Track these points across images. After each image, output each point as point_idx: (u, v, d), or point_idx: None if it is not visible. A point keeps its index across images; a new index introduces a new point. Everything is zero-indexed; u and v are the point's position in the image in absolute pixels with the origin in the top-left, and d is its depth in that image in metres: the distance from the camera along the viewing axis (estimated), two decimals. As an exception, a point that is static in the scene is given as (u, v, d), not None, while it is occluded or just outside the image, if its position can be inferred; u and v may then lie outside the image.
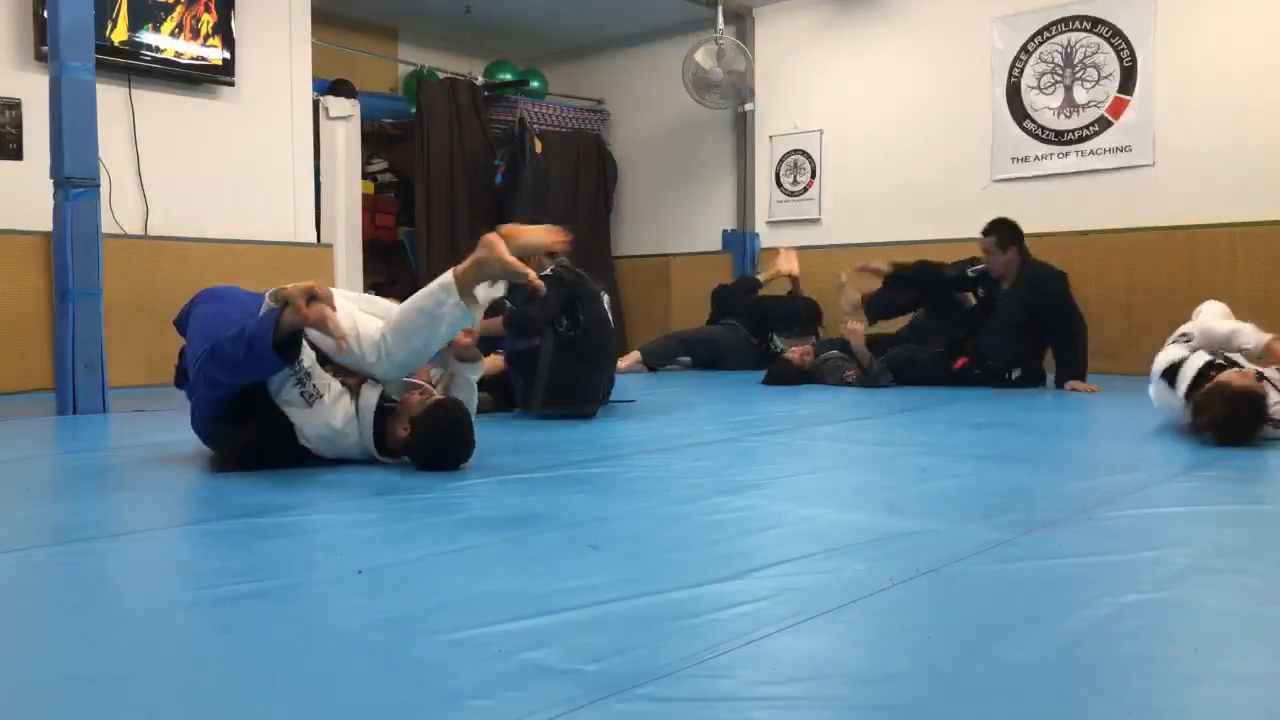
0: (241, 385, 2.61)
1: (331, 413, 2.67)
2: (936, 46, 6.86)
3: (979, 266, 5.31)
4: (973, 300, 5.54)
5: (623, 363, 7.07)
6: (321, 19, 6.76)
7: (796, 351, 5.75)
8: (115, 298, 4.68)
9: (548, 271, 3.79)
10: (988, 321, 5.26)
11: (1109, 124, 6.15)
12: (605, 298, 4.10)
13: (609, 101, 8.69)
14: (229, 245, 6.03)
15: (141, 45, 5.69)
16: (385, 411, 2.71)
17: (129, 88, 5.73)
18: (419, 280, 6.28)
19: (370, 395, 2.73)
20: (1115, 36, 6.12)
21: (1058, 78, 6.34)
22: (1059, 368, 5.16)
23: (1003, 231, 5.18)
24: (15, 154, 5.28)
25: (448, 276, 2.74)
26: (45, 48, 4.65)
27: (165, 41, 5.78)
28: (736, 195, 7.98)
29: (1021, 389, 5.11)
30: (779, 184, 7.72)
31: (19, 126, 5.31)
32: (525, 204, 7.49)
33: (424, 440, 2.64)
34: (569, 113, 8.36)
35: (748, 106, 7.77)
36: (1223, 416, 3.02)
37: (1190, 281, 5.87)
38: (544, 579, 1.63)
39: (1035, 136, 6.43)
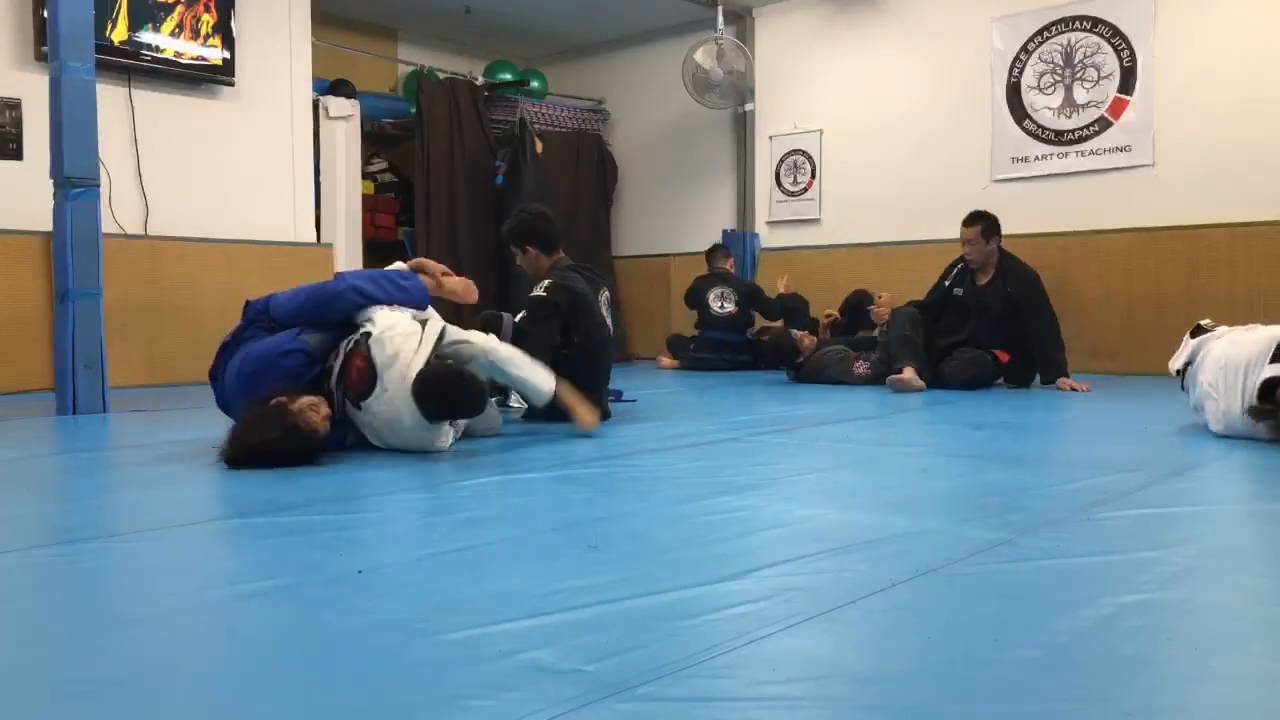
0: (374, 304, 3.06)
1: (406, 320, 3.01)
2: (936, 46, 6.86)
3: (955, 270, 5.36)
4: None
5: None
6: (321, 19, 6.77)
7: (800, 333, 5.82)
8: (115, 298, 4.68)
9: (541, 293, 3.65)
10: (974, 319, 5.28)
11: (1109, 124, 6.15)
12: (605, 294, 4.00)
13: (609, 101, 8.69)
14: (229, 245, 6.04)
15: (141, 45, 5.69)
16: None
17: (129, 88, 5.73)
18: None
19: (436, 324, 3.06)
20: (1115, 36, 6.12)
21: (1058, 78, 6.34)
22: (1042, 367, 5.18)
23: (987, 221, 5.27)
24: (15, 154, 5.28)
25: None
26: (45, 48, 4.65)
27: (165, 41, 5.78)
28: (736, 195, 7.98)
29: (1012, 388, 5.14)
30: (779, 184, 7.73)
31: (19, 126, 5.31)
32: (526, 204, 7.49)
33: (430, 377, 2.83)
34: (569, 113, 8.36)
35: (748, 106, 7.77)
36: None
37: (1190, 281, 5.87)
38: (544, 579, 1.63)
39: (1035, 136, 6.43)
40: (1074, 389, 4.95)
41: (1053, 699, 1.14)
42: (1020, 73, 6.48)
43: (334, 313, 3.06)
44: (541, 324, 3.62)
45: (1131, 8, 6.04)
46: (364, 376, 2.85)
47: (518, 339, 3.58)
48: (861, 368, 5.43)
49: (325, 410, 2.77)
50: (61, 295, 4.25)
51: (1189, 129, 5.88)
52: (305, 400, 2.73)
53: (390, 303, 3.08)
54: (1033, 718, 1.10)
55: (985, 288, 5.29)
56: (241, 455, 2.66)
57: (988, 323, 5.22)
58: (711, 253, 7.39)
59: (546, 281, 3.71)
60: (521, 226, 3.90)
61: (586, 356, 3.73)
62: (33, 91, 5.13)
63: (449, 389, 2.82)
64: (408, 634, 1.36)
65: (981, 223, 5.25)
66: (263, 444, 2.64)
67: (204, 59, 5.94)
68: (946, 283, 5.44)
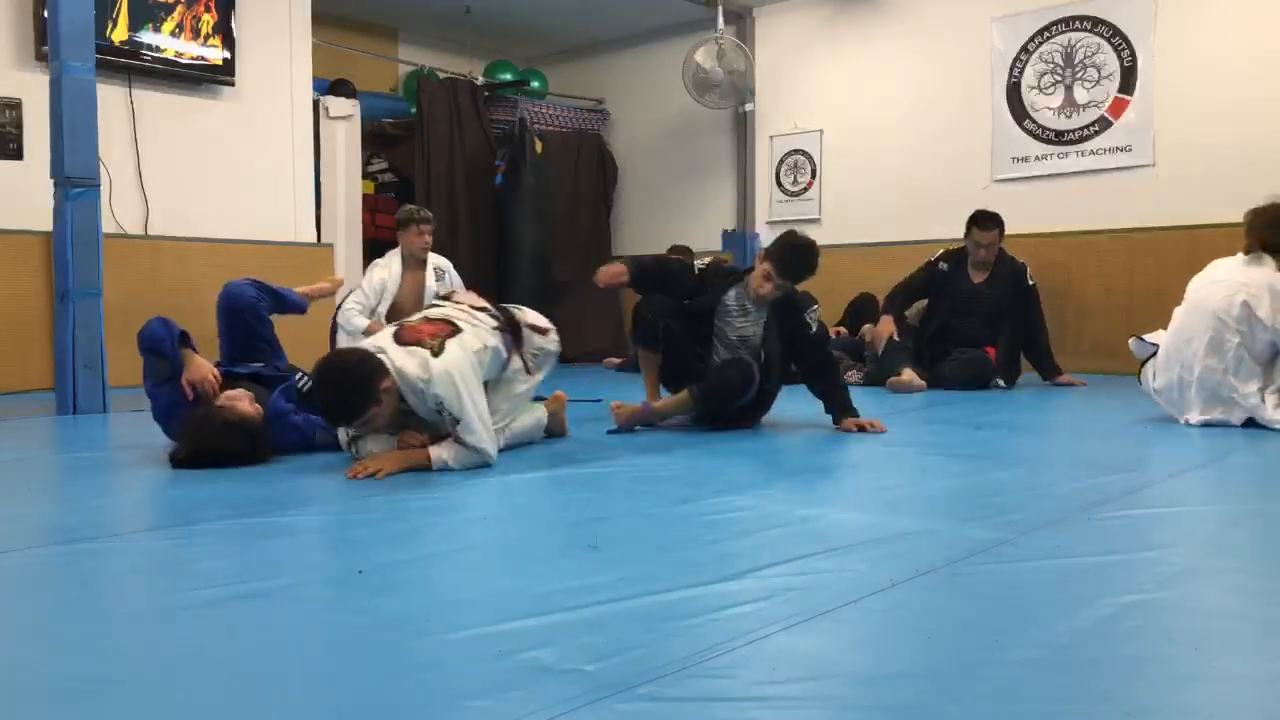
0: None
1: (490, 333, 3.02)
2: (936, 46, 6.86)
3: (944, 265, 5.38)
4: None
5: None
6: (321, 19, 6.76)
7: None
8: (115, 298, 4.68)
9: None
10: (962, 314, 5.28)
11: (1109, 124, 6.15)
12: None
13: (609, 101, 8.69)
14: (229, 245, 6.03)
15: (142, 45, 5.69)
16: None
17: (129, 88, 5.73)
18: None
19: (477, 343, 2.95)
20: (1115, 36, 6.12)
21: (1058, 78, 6.34)
22: (1043, 362, 5.32)
23: (1002, 224, 5.31)
24: (15, 154, 5.28)
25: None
26: (45, 48, 4.65)
27: (165, 41, 5.78)
28: (736, 195, 7.98)
29: (1007, 389, 5.16)
30: (779, 184, 7.72)
31: (19, 126, 5.31)
32: (525, 204, 7.50)
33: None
34: (569, 113, 8.36)
35: (748, 106, 7.76)
36: None
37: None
38: (544, 579, 1.63)
39: (1035, 136, 6.43)
40: (1071, 383, 5.19)
41: (1053, 699, 1.14)
42: (1020, 73, 6.48)
43: (239, 309, 3.24)
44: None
45: (1131, 8, 6.04)
46: (436, 322, 2.92)
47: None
48: (853, 377, 5.43)
49: (249, 396, 2.89)
50: (61, 295, 4.25)
51: (1189, 129, 5.88)
52: (224, 396, 2.86)
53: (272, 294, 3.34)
54: (1033, 718, 1.10)
55: (981, 285, 5.30)
56: (193, 459, 2.74)
57: (981, 320, 5.23)
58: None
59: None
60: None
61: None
62: (33, 91, 5.13)
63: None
64: (408, 634, 1.36)
65: (1000, 226, 5.29)
66: (211, 448, 2.73)
67: (204, 59, 5.94)
68: (943, 266, 5.39)
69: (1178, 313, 3.69)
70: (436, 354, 2.66)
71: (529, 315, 3.21)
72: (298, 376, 3.17)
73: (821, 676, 1.21)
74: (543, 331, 3.18)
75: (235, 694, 1.17)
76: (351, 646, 1.32)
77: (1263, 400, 3.44)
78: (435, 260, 5.39)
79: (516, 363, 3.04)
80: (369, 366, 2.63)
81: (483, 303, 3.13)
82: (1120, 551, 1.79)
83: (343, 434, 2.83)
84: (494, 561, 1.83)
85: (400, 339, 2.75)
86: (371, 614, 1.46)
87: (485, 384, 2.89)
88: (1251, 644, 1.35)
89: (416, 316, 2.98)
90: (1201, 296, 3.57)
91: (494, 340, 2.91)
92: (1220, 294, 3.50)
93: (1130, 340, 4.00)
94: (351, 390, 2.59)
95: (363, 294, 5.22)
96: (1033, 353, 5.32)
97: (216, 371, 3.01)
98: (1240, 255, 3.61)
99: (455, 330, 2.81)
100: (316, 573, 1.72)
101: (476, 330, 2.87)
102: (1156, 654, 1.30)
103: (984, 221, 5.29)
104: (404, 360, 2.65)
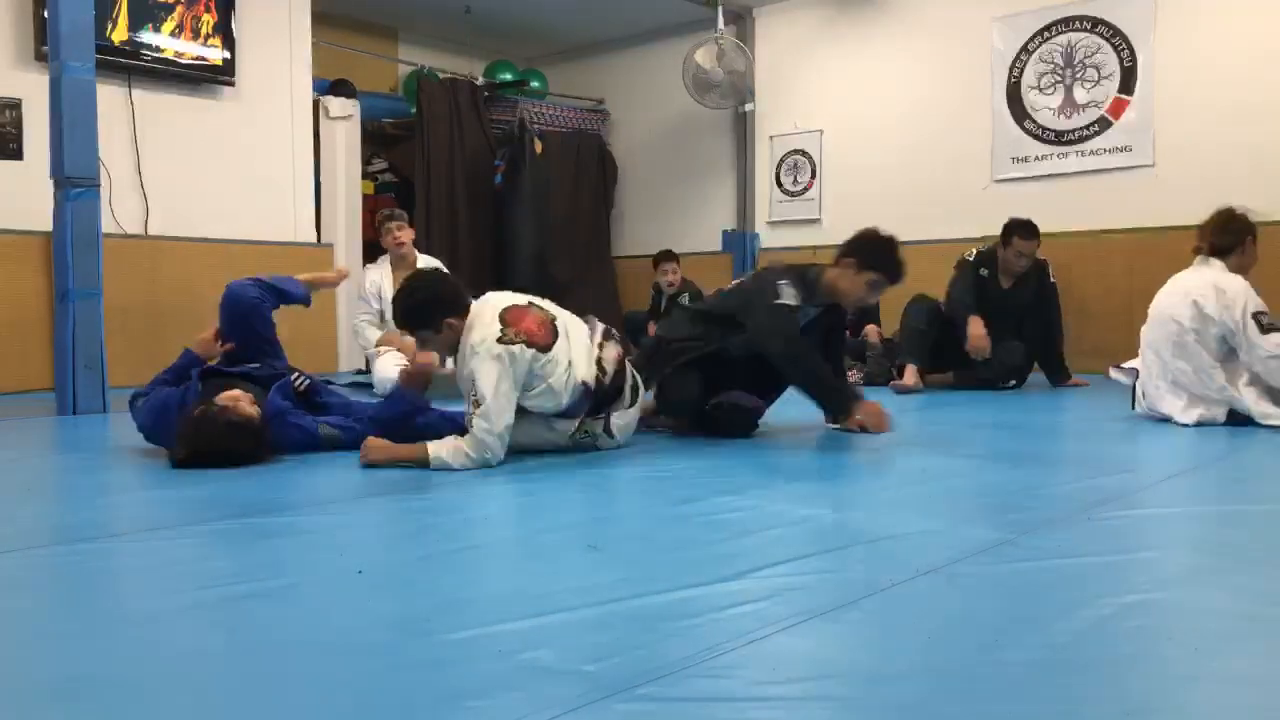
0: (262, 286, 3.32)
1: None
2: (936, 46, 6.86)
3: (985, 271, 5.33)
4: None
5: None
6: (321, 19, 6.76)
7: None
8: (115, 298, 4.68)
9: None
10: (992, 319, 5.26)
11: (1109, 124, 6.15)
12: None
13: (609, 101, 8.69)
14: (229, 245, 6.03)
15: (141, 45, 5.69)
16: None
17: (129, 88, 5.73)
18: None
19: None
20: (1115, 36, 6.12)
21: (1058, 78, 6.34)
22: (1052, 366, 5.30)
23: (1039, 231, 5.24)
24: (15, 154, 5.28)
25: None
26: (45, 48, 4.65)
27: (165, 41, 5.78)
28: (736, 195, 7.98)
29: (1018, 391, 5.16)
30: (779, 184, 7.72)
31: (19, 126, 5.31)
32: (525, 204, 7.50)
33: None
34: (569, 113, 8.36)
35: (748, 106, 7.76)
36: None
37: (1190, 281, 5.85)
38: (544, 579, 1.63)
39: (1035, 136, 6.43)
40: (1077, 385, 5.19)
41: (1053, 699, 1.14)
42: (1020, 73, 6.48)
43: (242, 312, 3.26)
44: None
45: (1131, 8, 6.04)
46: (546, 329, 2.84)
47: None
48: (853, 377, 5.43)
49: (249, 397, 2.88)
50: (61, 295, 4.25)
51: (1189, 129, 5.88)
52: (224, 396, 2.83)
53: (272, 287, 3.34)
54: (1033, 718, 1.10)
55: (1010, 291, 5.29)
56: (194, 459, 2.73)
57: (1011, 324, 5.22)
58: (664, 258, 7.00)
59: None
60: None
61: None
62: (33, 91, 5.13)
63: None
64: (408, 634, 1.36)
65: (1038, 235, 5.21)
66: (214, 449, 2.72)
67: (204, 59, 5.94)
68: (984, 272, 5.28)
69: (1143, 330, 3.82)
70: (504, 341, 2.70)
71: (624, 414, 3.07)
72: (294, 376, 3.17)
73: (821, 676, 1.21)
74: (610, 434, 3.05)
75: (235, 694, 1.17)
76: (351, 646, 1.32)
77: (1239, 393, 3.49)
78: (425, 260, 5.42)
79: (570, 424, 2.94)
80: (450, 295, 2.83)
81: (614, 359, 2.98)
82: (1120, 551, 1.79)
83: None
84: (494, 561, 1.83)
85: (504, 316, 2.77)
86: (371, 614, 1.46)
87: (524, 409, 2.83)
88: (1251, 644, 1.35)
89: (548, 313, 2.91)
90: (1160, 309, 3.73)
91: (563, 386, 2.83)
92: (1174, 301, 3.66)
93: (1110, 371, 4.09)
94: (420, 300, 2.80)
95: (365, 303, 5.27)
96: (1045, 353, 5.31)
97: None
98: (1194, 262, 3.75)
99: (548, 342, 2.78)
100: (316, 573, 1.72)
101: (558, 367, 2.80)
102: (1156, 654, 1.30)
103: (1027, 231, 5.18)
104: (484, 321, 2.75)
